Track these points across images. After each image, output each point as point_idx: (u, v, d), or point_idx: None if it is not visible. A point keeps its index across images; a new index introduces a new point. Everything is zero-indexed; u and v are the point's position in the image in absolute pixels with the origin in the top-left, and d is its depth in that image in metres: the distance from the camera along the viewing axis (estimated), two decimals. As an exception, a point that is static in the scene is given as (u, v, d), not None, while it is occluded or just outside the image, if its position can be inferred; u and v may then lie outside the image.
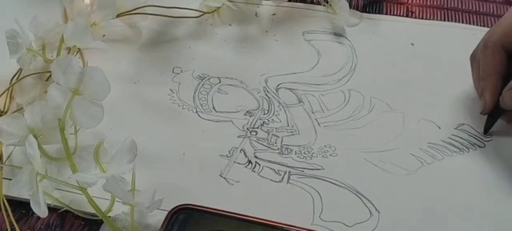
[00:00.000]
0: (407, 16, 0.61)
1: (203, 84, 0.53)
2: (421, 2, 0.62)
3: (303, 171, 0.47)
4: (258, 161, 0.48)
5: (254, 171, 0.47)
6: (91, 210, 0.42)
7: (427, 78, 0.54)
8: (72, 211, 0.44)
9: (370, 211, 0.44)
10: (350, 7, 0.60)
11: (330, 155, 0.48)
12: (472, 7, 0.61)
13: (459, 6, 0.62)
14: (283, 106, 0.52)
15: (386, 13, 0.61)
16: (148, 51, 0.57)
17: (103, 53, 0.54)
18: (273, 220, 0.41)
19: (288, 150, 0.48)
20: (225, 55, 0.56)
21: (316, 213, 0.44)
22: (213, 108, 0.51)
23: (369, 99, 0.52)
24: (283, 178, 0.46)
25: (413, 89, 0.53)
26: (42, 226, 0.44)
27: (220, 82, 0.54)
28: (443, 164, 0.48)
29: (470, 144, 0.49)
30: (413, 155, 0.48)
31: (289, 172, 0.47)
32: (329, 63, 0.56)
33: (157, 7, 0.59)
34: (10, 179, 0.44)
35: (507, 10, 0.61)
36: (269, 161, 0.48)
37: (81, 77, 0.45)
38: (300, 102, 0.52)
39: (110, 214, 0.42)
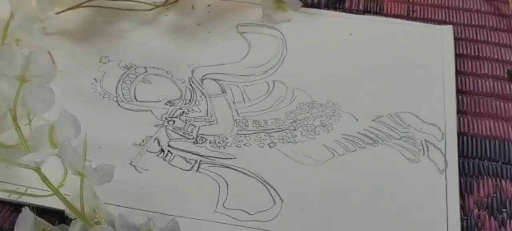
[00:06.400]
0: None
1: (128, 74, 0.54)
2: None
3: (214, 160, 0.47)
4: (171, 149, 0.48)
5: (165, 160, 0.47)
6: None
7: (353, 71, 0.54)
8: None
9: (274, 200, 0.45)
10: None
11: (244, 144, 0.48)
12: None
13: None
14: (205, 96, 0.52)
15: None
16: (79, 42, 0.57)
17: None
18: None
19: (203, 139, 0.49)
20: (157, 45, 0.57)
21: (220, 201, 0.44)
22: (134, 97, 0.52)
23: (291, 90, 0.53)
24: (193, 166, 0.47)
25: (337, 81, 0.54)
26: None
27: (146, 72, 0.54)
28: (355, 155, 0.48)
29: (386, 135, 0.49)
30: (326, 146, 0.48)
31: (200, 160, 0.47)
32: (258, 55, 0.56)
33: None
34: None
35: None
36: (182, 150, 0.48)
37: (25, 63, 0.45)
38: (223, 92, 0.53)
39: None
